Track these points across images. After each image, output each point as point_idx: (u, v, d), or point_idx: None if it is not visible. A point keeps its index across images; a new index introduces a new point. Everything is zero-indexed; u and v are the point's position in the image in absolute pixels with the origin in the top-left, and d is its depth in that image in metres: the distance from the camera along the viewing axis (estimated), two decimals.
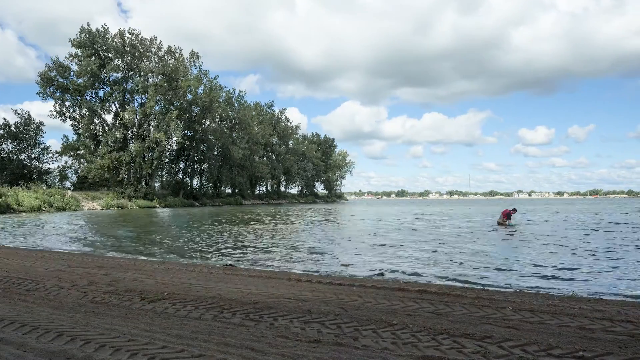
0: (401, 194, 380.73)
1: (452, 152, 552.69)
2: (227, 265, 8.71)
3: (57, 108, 55.06)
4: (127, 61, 56.32)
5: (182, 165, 71.14)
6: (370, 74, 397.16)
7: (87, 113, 55.53)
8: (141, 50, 56.22)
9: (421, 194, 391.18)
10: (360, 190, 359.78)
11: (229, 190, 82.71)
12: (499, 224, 20.70)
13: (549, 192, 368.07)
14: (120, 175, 55.09)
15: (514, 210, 21.09)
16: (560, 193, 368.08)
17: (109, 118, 58.44)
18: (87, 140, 55.80)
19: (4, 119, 56.29)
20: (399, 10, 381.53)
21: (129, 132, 57.35)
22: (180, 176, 70.96)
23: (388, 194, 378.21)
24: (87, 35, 53.94)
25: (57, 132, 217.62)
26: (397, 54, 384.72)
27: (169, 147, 60.82)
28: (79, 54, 54.05)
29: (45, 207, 39.70)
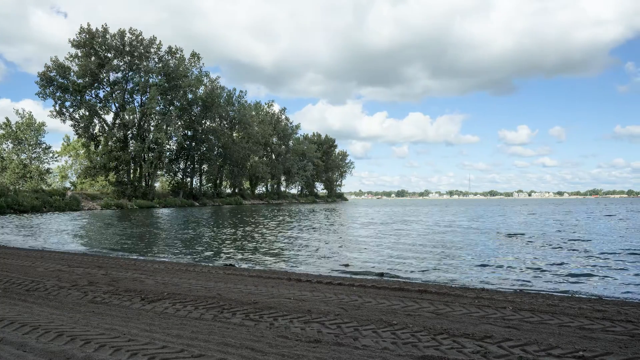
0: (401, 194, 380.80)
1: (435, 151, 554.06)
2: (227, 265, 8.71)
3: (57, 108, 55.07)
4: (127, 61, 56.30)
5: (182, 165, 71.09)
6: (331, 73, 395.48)
7: (87, 113, 55.50)
8: (141, 50, 56.18)
9: (421, 194, 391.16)
10: (360, 190, 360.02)
11: (229, 190, 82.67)
12: None
13: (548, 192, 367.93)
14: (120, 175, 55.09)
15: None
16: (560, 193, 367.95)
17: (109, 118, 58.48)
18: (87, 140, 55.79)
19: (6, 118, 56.43)
20: (339, 3, 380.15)
21: (129, 132, 57.34)
22: (180, 176, 70.90)
23: (388, 194, 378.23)
24: (87, 35, 53.94)
25: (52, 132, 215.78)
26: (352, 51, 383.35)
27: (169, 147, 60.81)
28: (79, 54, 54.07)
29: (45, 207, 39.69)
